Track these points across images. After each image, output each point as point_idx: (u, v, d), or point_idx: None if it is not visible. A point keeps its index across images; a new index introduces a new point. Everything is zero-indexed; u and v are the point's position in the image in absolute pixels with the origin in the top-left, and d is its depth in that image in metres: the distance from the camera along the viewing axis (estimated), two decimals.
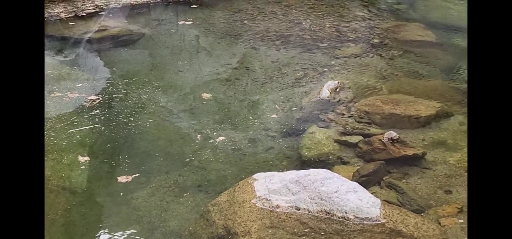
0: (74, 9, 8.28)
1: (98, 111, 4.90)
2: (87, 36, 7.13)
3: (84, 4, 8.56)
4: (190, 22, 7.84)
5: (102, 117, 4.79)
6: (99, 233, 3.44)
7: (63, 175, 3.98)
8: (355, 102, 4.94)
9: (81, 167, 4.08)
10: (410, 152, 4.05)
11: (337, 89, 5.15)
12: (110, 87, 5.43)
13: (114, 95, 5.24)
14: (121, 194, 3.80)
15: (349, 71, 5.86)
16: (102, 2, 8.71)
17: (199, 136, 4.56)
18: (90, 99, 5.13)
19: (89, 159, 4.18)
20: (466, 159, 3.97)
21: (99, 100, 5.13)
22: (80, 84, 5.50)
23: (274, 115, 4.90)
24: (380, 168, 3.91)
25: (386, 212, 3.02)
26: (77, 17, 7.92)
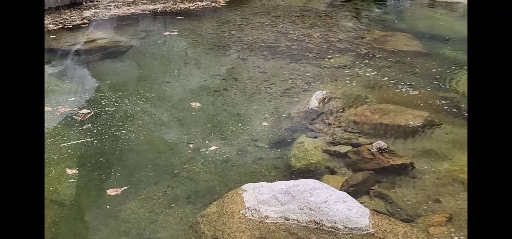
0: (62, 21, 8.27)
1: (89, 125, 4.87)
2: (75, 47, 7.12)
3: (72, 16, 8.55)
4: (178, 33, 7.85)
5: (94, 131, 4.76)
6: None
7: (51, 188, 3.96)
8: (344, 112, 4.96)
9: (70, 180, 4.06)
10: (398, 162, 4.06)
11: (326, 100, 5.16)
12: (103, 101, 5.41)
13: (106, 109, 5.22)
14: (110, 206, 3.78)
15: (337, 81, 5.89)
16: (90, 14, 8.72)
17: (188, 147, 4.56)
18: (82, 113, 5.11)
19: (78, 172, 4.16)
20: (455, 168, 4.00)
21: (91, 114, 5.11)
22: (71, 98, 5.47)
23: (263, 125, 4.91)
24: (369, 178, 3.92)
25: (375, 221, 3.03)
26: (64, 29, 7.92)
